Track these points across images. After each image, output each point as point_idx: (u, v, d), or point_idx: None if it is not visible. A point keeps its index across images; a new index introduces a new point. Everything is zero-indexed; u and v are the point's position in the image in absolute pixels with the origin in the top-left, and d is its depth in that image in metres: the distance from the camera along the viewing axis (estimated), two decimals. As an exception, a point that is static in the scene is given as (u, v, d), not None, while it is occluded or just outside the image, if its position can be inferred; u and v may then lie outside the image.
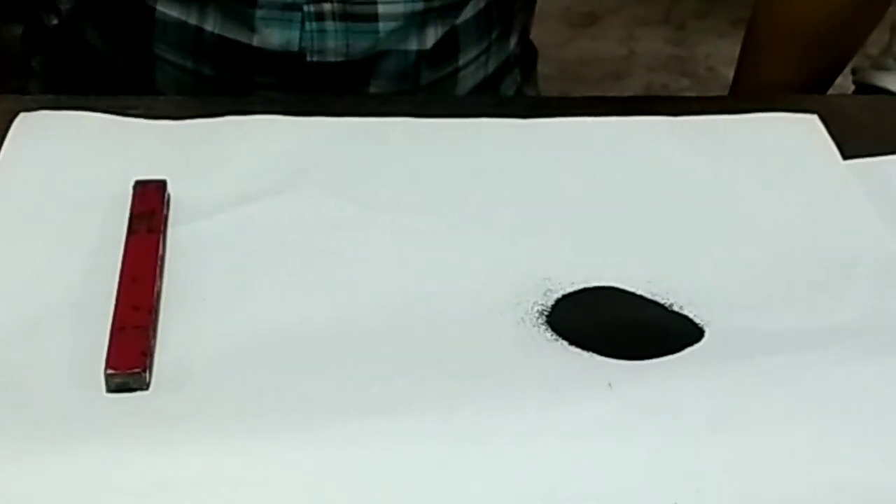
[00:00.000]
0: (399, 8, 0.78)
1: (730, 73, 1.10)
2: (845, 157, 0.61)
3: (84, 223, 0.55)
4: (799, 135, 0.63)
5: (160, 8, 0.78)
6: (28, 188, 0.57)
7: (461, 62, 0.85)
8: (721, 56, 2.13)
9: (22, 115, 0.61)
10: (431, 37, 0.81)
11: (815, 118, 0.63)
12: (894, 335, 0.49)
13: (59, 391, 0.45)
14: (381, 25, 0.78)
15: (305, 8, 0.76)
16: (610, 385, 0.45)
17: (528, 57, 0.97)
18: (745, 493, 0.41)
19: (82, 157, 0.59)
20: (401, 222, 0.56)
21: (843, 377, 0.46)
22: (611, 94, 1.96)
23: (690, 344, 0.49)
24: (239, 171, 0.58)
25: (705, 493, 0.41)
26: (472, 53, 0.85)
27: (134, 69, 0.83)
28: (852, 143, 0.62)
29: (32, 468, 0.41)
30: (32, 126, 0.60)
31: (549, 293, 0.51)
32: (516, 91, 0.94)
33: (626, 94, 2.01)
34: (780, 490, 0.41)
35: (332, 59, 0.79)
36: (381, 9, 0.78)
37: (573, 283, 0.52)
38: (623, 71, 2.14)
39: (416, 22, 0.79)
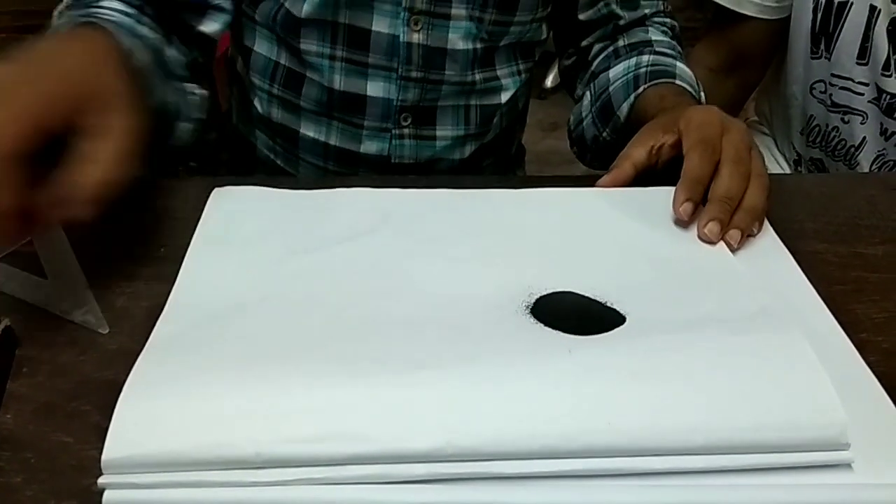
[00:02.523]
0: (449, 132, 0.80)
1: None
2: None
3: (259, 244, 0.56)
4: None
5: (302, 131, 0.80)
6: (224, 226, 0.58)
7: (484, 164, 0.86)
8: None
9: (216, 189, 0.62)
10: (468, 151, 0.82)
11: None
12: (738, 323, 0.48)
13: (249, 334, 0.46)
14: (438, 143, 0.80)
15: (392, 130, 0.78)
16: (569, 351, 0.46)
17: (520, 153, 0.98)
18: (650, 422, 0.41)
19: (255, 209, 0.60)
20: (442, 251, 0.56)
21: (708, 348, 0.46)
22: (567, 174, 1.95)
23: (618, 325, 0.49)
24: (345, 219, 0.59)
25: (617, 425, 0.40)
26: (491, 159, 0.87)
27: (286, 166, 0.84)
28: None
29: (252, 375, 0.41)
30: (223, 194, 0.62)
31: (531, 295, 0.52)
32: (513, 173, 0.96)
33: (575, 174, 2.00)
34: (670, 420, 0.41)
35: (407, 161, 0.80)
36: (438, 132, 0.79)
37: (546, 289, 0.52)
38: (573, 159, 2.13)
39: (458, 142, 0.81)
